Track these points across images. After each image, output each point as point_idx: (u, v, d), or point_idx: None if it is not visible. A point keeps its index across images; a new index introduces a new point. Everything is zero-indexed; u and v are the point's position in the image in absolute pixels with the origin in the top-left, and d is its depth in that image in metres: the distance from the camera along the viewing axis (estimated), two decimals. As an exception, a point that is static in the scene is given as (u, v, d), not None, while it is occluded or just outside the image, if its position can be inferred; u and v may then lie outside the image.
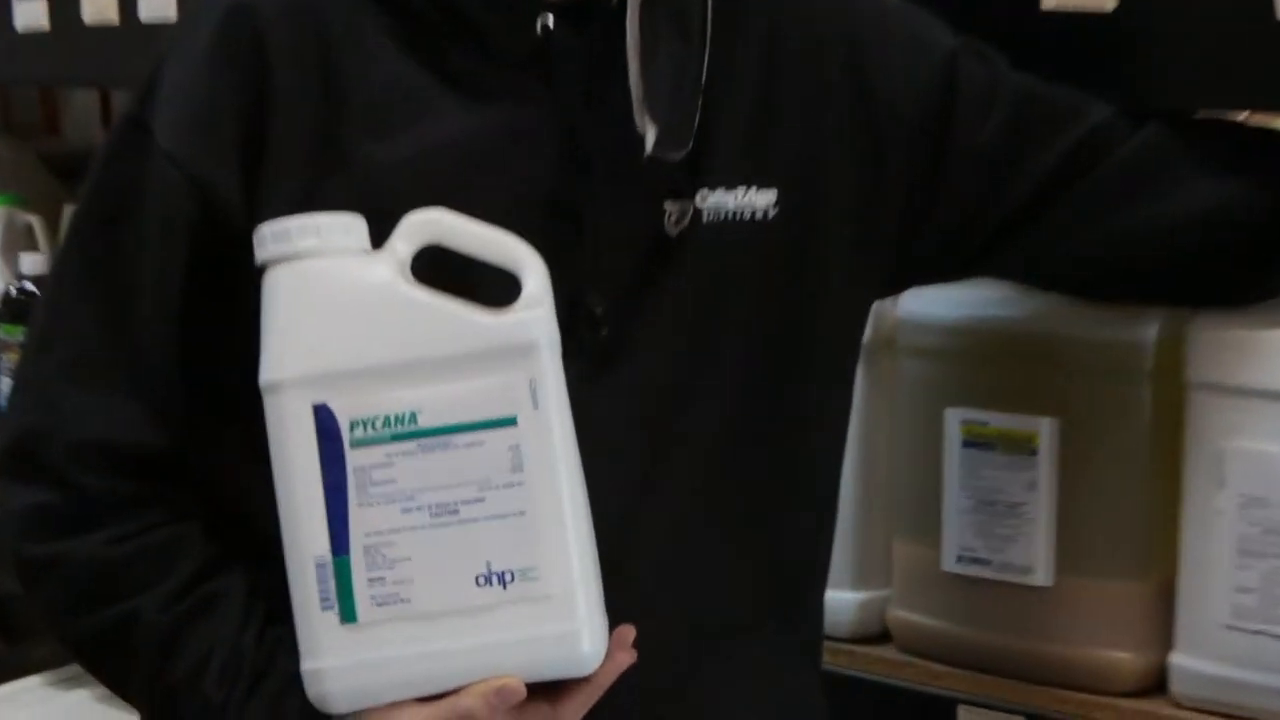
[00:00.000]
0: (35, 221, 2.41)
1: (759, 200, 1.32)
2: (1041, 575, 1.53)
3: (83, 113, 3.25)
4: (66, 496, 1.27)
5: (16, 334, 2.26)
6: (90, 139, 3.14)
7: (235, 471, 1.29)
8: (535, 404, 1.15)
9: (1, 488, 1.30)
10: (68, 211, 2.37)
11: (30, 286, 2.30)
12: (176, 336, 1.27)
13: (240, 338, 1.22)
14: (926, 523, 1.60)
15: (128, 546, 1.26)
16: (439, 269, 1.18)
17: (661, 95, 1.26)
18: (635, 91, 1.25)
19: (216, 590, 1.26)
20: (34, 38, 2.19)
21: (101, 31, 2.11)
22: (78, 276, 1.31)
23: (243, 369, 1.21)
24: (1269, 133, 1.51)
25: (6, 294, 2.34)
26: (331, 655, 1.18)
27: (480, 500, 1.15)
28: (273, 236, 1.17)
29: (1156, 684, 1.50)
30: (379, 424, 1.15)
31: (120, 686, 1.33)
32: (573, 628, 1.17)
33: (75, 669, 2.33)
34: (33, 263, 2.34)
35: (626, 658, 1.19)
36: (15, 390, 1.34)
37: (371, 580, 1.16)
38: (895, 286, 1.53)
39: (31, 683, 2.38)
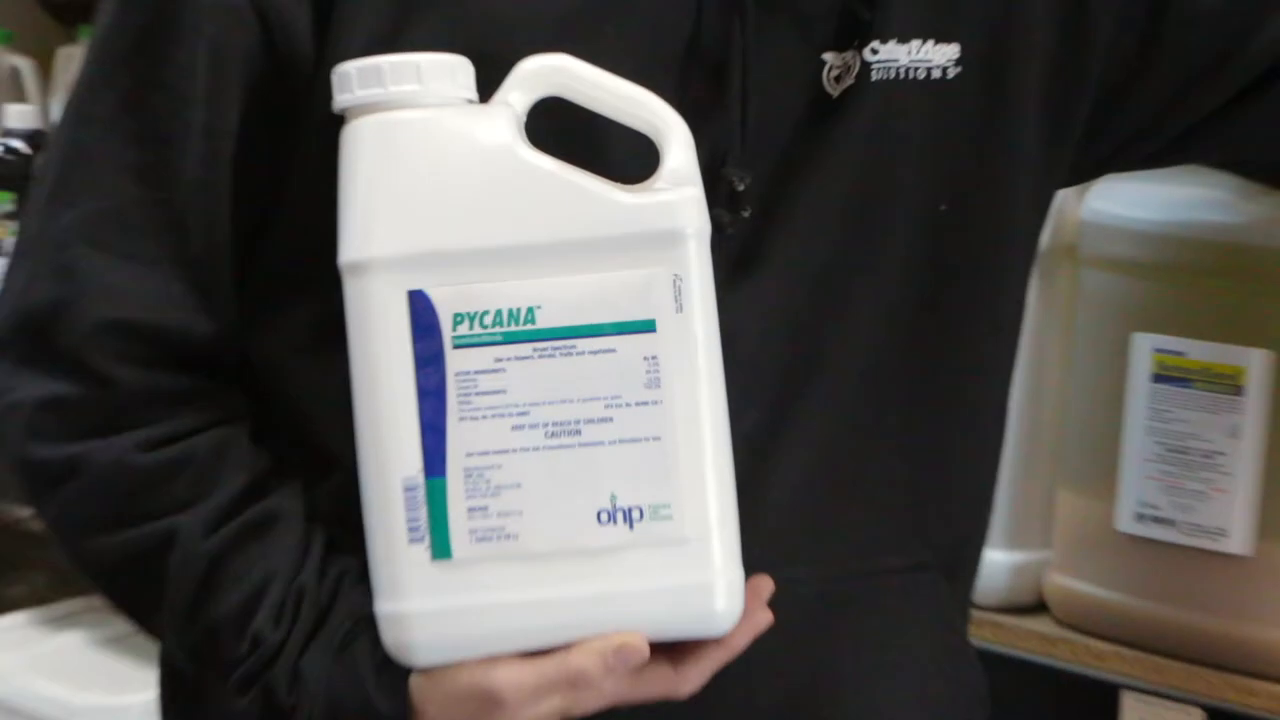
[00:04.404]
0: (25, 65, 2.40)
1: (938, 55, 1.31)
2: (1238, 541, 1.54)
3: None
4: (88, 388, 1.25)
5: (4, 202, 2.26)
6: None
7: (291, 368, 1.29)
8: (679, 307, 1.14)
9: (4, 374, 1.28)
10: (63, 54, 2.34)
11: (18, 145, 2.29)
12: (228, 194, 1.25)
13: (302, 201, 1.23)
14: (1100, 472, 1.61)
15: (164, 453, 1.24)
16: (550, 132, 1.17)
17: None
18: None
19: (270, 510, 1.25)
20: None
21: None
22: (105, 115, 1.28)
23: (304, 240, 1.21)
24: None
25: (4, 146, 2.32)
26: (418, 597, 1.17)
27: (608, 420, 1.15)
28: (359, 76, 1.15)
29: None
30: (489, 320, 1.14)
31: (145, 619, 1.32)
32: (708, 579, 1.17)
33: (64, 607, 2.38)
34: (23, 114, 2.33)
35: (765, 617, 1.19)
36: (19, 254, 1.31)
37: (472, 510, 1.15)
38: (1083, 177, 1.52)
39: (14, 621, 2.41)
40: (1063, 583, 1.70)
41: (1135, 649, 1.61)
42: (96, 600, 1.32)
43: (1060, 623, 1.69)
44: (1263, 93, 1.43)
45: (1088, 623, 1.66)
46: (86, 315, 1.24)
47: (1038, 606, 1.70)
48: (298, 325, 1.26)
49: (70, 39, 2.36)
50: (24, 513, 1.72)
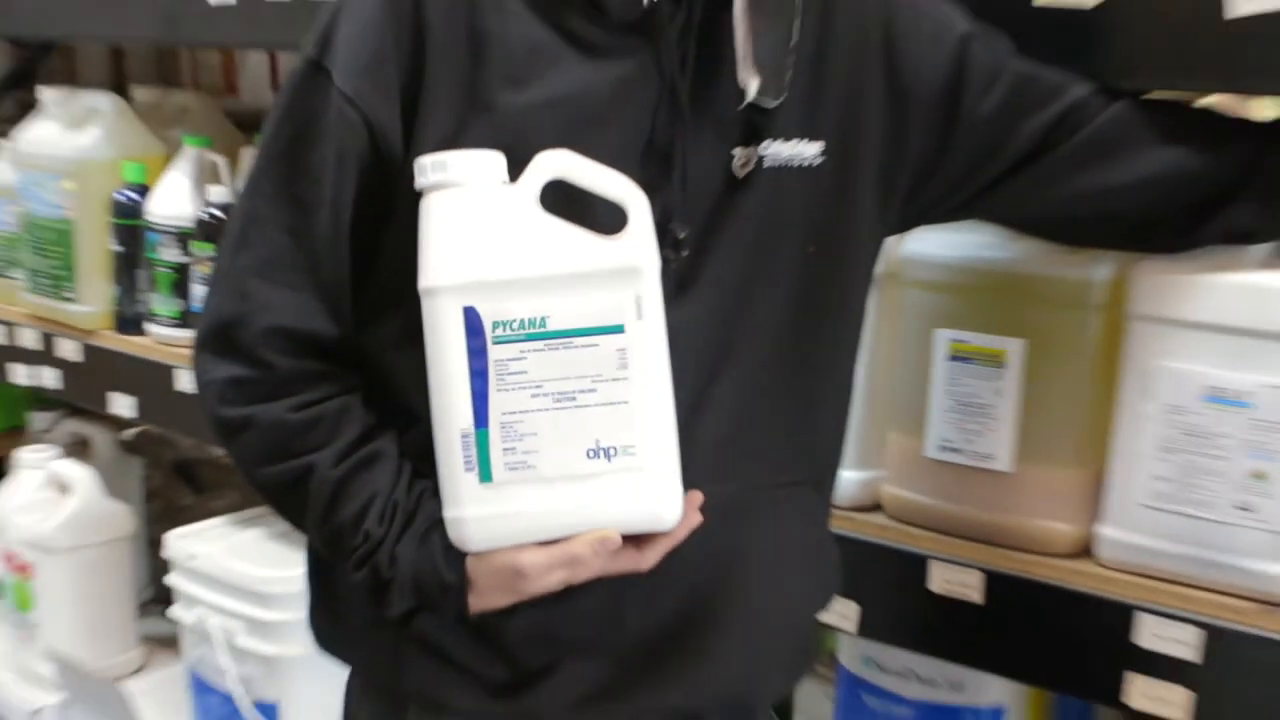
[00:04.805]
0: (220, 161, 2.43)
1: (809, 150, 1.36)
2: (1003, 462, 1.60)
3: (255, 77, 3.28)
4: (257, 371, 1.33)
5: (207, 250, 2.33)
6: (261, 98, 3.19)
7: (388, 356, 1.35)
8: (639, 315, 1.22)
9: (203, 361, 1.36)
10: (244, 154, 2.37)
11: (217, 212, 2.35)
12: (347, 244, 1.32)
13: (396, 247, 1.28)
14: (915, 419, 1.67)
15: (306, 413, 1.32)
16: (557, 195, 1.23)
17: (763, 54, 1.30)
18: (741, 50, 1.29)
19: (375, 450, 1.33)
20: (224, 10, 2.22)
21: (276, 5, 2.13)
22: (269, 191, 1.35)
23: (397, 272, 1.27)
24: (1208, 112, 1.54)
25: (199, 218, 2.38)
26: (471, 506, 1.25)
27: (593, 390, 1.22)
28: (433, 167, 1.23)
29: (1084, 550, 1.58)
30: (515, 325, 1.22)
31: (297, 522, 1.39)
32: (660, 495, 1.25)
33: (249, 513, 2.44)
34: (218, 193, 2.38)
35: (697, 518, 1.27)
36: (214, 283, 1.38)
37: (505, 450, 1.23)
38: (904, 227, 1.54)
39: (216, 522, 2.46)
40: (891, 491, 1.72)
41: (938, 533, 1.66)
42: (267, 509, 1.38)
43: (890, 517, 1.72)
44: (1021, 173, 1.46)
45: (907, 516, 1.70)
46: (256, 324, 1.32)
47: (875, 507, 1.74)
48: (393, 328, 1.32)
49: (248, 142, 2.41)
50: (219, 451, 1.73)
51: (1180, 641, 1.46)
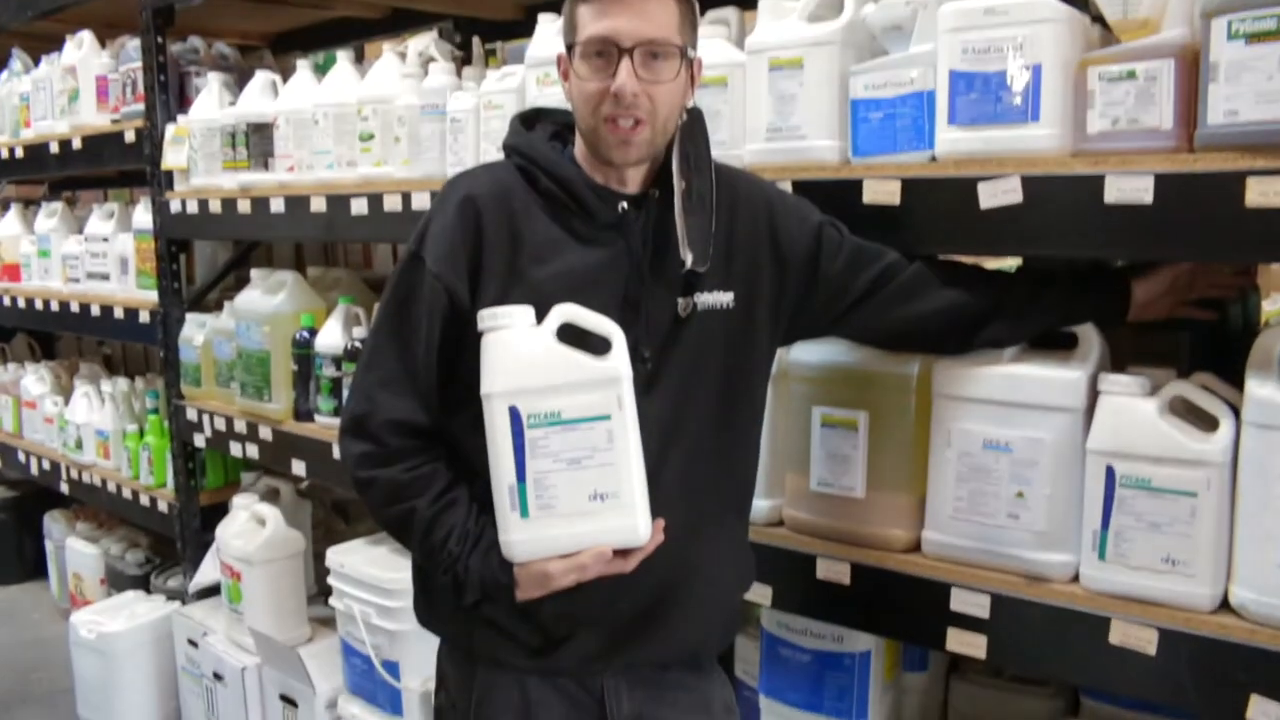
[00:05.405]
0: (359, 311, 2.47)
1: (725, 298, 1.37)
2: (859, 491, 1.58)
3: (382, 258, 3.32)
4: (379, 448, 1.32)
5: (351, 367, 2.34)
6: (387, 269, 3.21)
7: (463, 436, 1.32)
8: (621, 407, 1.22)
9: (347, 442, 1.35)
10: (375, 307, 2.46)
11: (357, 344, 2.37)
12: (435, 367, 1.31)
13: (467, 365, 1.27)
14: (803, 465, 1.64)
15: (410, 474, 1.31)
16: (567, 332, 1.24)
17: (694, 237, 1.31)
18: (681, 235, 1.29)
19: (454, 497, 1.32)
20: (360, 219, 2.25)
21: (392, 216, 2.16)
22: (385, 335, 1.35)
23: (467, 383, 1.27)
24: (973, 266, 1.52)
25: (346, 348, 2.41)
26: (515, 533, 1.24)
27: (591, 457, 1.22)
28: (489, 317, 1.24)
29: (916, 547, 1.55)
30: (542, 417, 1.22)
31: (406, 543, 1.37)
32: (636, 522, 1.24)
33: (381, 536, 2.41)
34: (359, 332, 2.41)
35: (661, 537, 1.27)
36: (352, 392, 1.38)
37: (536, 496, 1.23)
38: (788, 342, 1.53)
39: (357, 543, 2.44)
40: (790, 512, 1.67)
41: (821, 539, 1.62)
42: (387, 535, 1.36)
43: (789, 530, 1.67)
44: (858, 308, 1.45)
45: (800, 529, 1.65)
46: (378, 417, 1.32)
47: (780, 523, 1.69)
48: (465, 418, 1.30)
49: (379, 298, 2.48)
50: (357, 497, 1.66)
51: (978, 605, 1.45)
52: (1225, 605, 1.30)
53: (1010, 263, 1.76)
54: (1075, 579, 1.40)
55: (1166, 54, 1.27)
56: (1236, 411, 1.29)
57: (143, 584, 3.34)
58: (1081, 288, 1.46)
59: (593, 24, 1.24)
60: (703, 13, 1.70)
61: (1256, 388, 1.26)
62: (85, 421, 3.40)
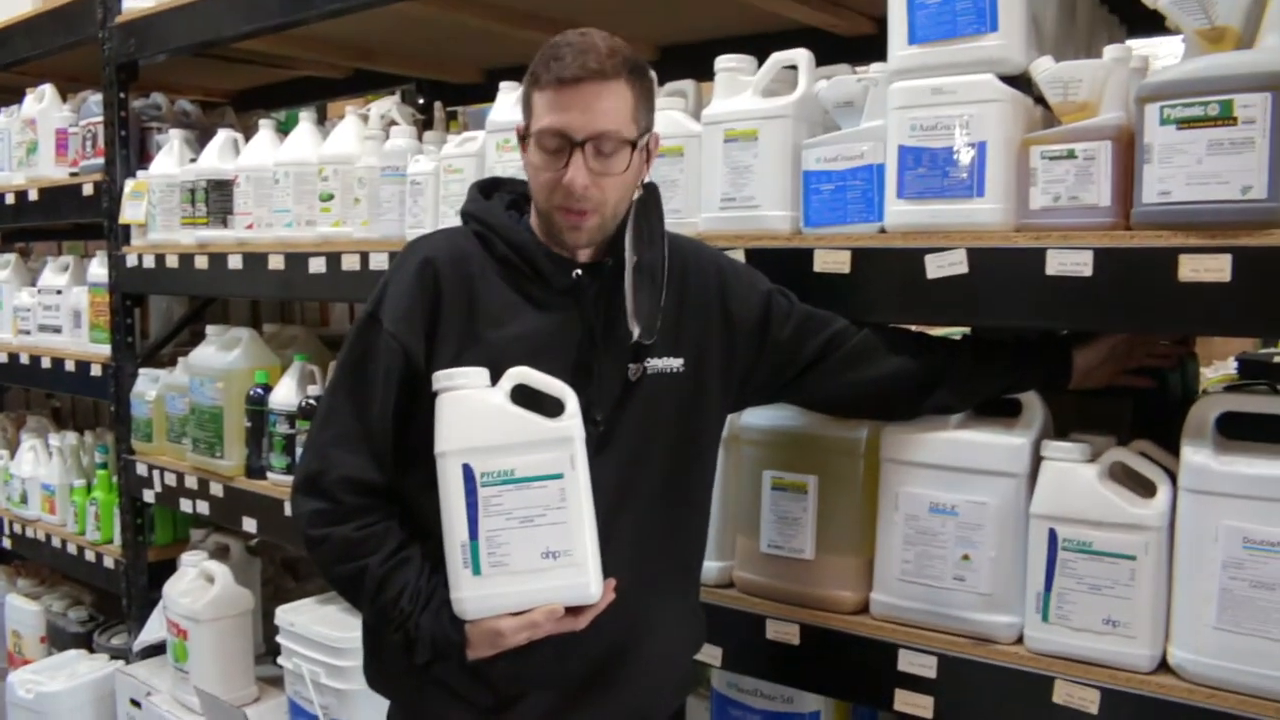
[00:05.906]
0: (315, 369, 2.45)
1: (675, 363, 1.39)
2: (809, 553, 1.57)
3: (339, 317, 3.32)
4: (332, 505, 1.31)
5: (305, 425, 2.32)
6: (344, 328, 3.19)
7: (416, 496, 1.32)
8: (573, 467, 1.22)
9: (299, 500, 1.33)
10: (330, 364, 2.44)
11: (312, 401, 2.35)
12: (390, 425, 1.31)
13: (421, 425, 1.27)
14: (753, 527, 1.63)
15: (362, 532, 1.30)
16: (521, 394, 1.24)
17: (642, 310, 1.33)
18: (629, 308, 1.31)
19: (407, 555, 1.30)
20: (318, 278, 2.25)
21: (350, 276, 2.16)
22: (341, 393, 1.35)
23: (422, 441, 1.26)
24: (919, 334, 1.55)
25: (301, 405, 2.39)
26: (467, 590, 1.24)
27: (544, 515, 1.22)
28: (444, 377, 1.24)
29: (864, 608, 1.55)
30: (495, 475, 1.22)
31: (356, 603, 1.35)
32: (588, 580, 1.24)
33: (331, 595, 2.38)
34: (314, 390, 2.39)
35: (611, 595, 1.27)
36: (306, 450, 1.37)
37: (489, 554, 1.22)
38: (739, 407, 1.55)
39: (307, 601, 2.42)
40: (740, 574, 1.66)
41: (770, 600, 1.61)
42: (337, 594, 1.34)
43: (740, 591, 1.65)
44: (807, 374, 1.47)
45: (750, 590, 1.64)
46: (332, 474, 1.31)
47: (730, 584, 1.67)
48: (419, 476, 1.29)
49: (333, 358, 2.47)
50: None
51: (925, 666, 1.45)
52: (1164, 665, 1.32)
53: (956, 331, 1.79)
54: (1019, 640, 1.42)
55: (1104, 136, 1.32)
56: (1174, 477, 1.32)
57: (85, 642, 3.25)
58: (1025, 356, 1.49)
59: (547, 115, 1.26)
60: (661, 84, 1.77)
61: (1191, 454, 1.29)
62: (31, 475, 3.33)
